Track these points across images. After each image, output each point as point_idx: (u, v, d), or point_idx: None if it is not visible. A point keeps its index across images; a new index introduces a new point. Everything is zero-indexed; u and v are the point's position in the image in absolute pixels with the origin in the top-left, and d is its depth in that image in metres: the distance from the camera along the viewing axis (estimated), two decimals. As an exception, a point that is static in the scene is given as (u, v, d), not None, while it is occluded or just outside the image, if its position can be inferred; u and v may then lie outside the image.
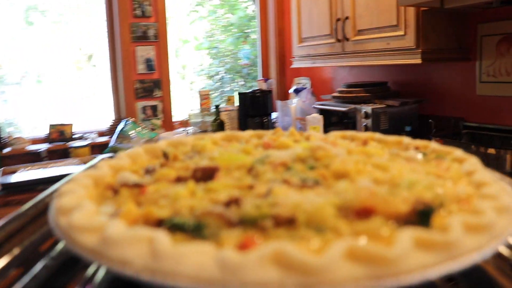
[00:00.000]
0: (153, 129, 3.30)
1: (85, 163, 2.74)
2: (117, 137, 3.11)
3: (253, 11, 4.06)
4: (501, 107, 2.31)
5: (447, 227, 0.34)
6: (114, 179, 0.52)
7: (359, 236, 0.35)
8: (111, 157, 0.63)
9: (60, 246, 0.53)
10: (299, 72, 3.74)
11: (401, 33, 2.29)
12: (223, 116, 3.21)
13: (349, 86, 2.80)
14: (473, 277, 0.44)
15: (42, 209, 0.59)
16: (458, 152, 0.53)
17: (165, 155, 0.61)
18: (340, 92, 2.83)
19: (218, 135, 0.67)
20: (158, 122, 3.43)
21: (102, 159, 0.64)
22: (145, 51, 3.42)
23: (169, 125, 3.55)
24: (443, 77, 2.61)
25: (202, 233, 0.37)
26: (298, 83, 3.68)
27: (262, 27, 3.97)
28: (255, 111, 3.32)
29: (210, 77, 3.97)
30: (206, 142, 0.60)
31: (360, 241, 0.33)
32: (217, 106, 3.02)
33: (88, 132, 3.35)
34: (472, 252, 0.35)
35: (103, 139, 3.30)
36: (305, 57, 3.15)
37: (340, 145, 0.56)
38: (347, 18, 2.67)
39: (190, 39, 4.04)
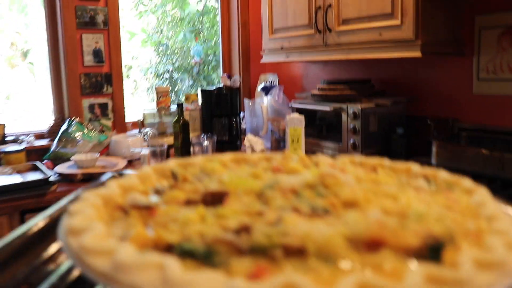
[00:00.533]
0: (102, 131, 2.90)
1: (19, 172, 2.40)
2: (59, 140, 2.68)
3: (208, 4, 3.76)
4: (501, 107, 2.13)
5: (458, 263, 0.34)
6: (123, 199, 0.53)
7: (369, 269, 0.35)
8: (120, 176, 0.63)
9: (66, 265, 0.53)
10: (265, 68, 3.47)
11: (397, 22, 2.02)
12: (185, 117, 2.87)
13: (331, 83, 2.54)
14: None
15: (50, 226, 0.59)
16: (467, 183, 0.53)
17: (174, 176, 0.61)
18: (321, 89, 2.55)
19: (227, 156, 0.67)
20: (108, 123, 3.01)
21: (111, 178, 0.64)
22: (92, 40, 2.94)
23: (121, 126, 3.10)
24: (434, 74, 2.40)
25: (212, 260, 0.37)
26: (265, 80, 3.41)
27: (224, 19, 3.63)
28: (221, 110, 2.95)
29: (158, 76, 3.58)
30: (215, 164, 0.61)
31: (370, 275, 0.33)
32: (180, 105, 2.62)
33: (23, 134, 2.85)
34: (482, 289, 0.35)
35: (42, 142, 2.82)
36: (278, 50, 2.83)
37: (349, 172, 0.57)
38: (329, 6, 2.39)
39: (137, 32, 3.68)
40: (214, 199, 0.48)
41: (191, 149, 2.61)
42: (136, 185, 0.58)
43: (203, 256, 0.37)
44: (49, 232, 0.57)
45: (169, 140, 2.77)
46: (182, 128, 2.60)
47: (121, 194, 0.55)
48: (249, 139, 2.80)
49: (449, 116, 2.30)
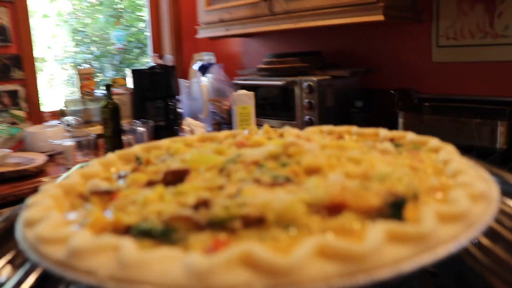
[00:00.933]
0: (14, 123, 2.47)
1: None
2: (-43, 135, 2.25)
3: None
4: (463, 74, 2.04)
5: (420, 218, 0.33)
6: (85, 187, 0.51)
7: (330, 232, 0.34)
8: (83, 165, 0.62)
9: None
10: (199, 47, 3.16)
11: (356, -18, 1.83)
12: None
13: (279, 56, 2.32)
14: (455, 270, 0.44)
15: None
16: (434, 141, 0.52)
17: (138, 160, 0.60)
18: (269, 63, 2.32)
19: (194, 137, 0.65)
20: (20, 113, 2.55)
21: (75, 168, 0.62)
22: (-6, 15, 2.40)
23: (37, 117, 2.63)
24: (390, 44, 2.27)
25: (170, 238, 0.35)
26: (200, 59, 3.03)
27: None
28: (155, 92, 2.60)
29: (75, 66, 2.96)
30: (179, 144, 0.59)
31: (329, 238, 0.32)
32: (108, 86, 2.21)
33: None
34: (447, 243, 0.34)
35: None
36: (216, 23, 2.56)
37: (314, 140, 0.55)
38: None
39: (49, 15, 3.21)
40: (175, 178, 0.47)
41: (124, 137, 2.28)
42: (98, 172, 0.56)
43: (160, 235, 0.36)
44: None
45: (96, 129, 2.40)
46: (112, 113, 2.21)
47: (83, 183, 0.53)
48: (189, 123, 2.57)
49: (408, 86, 2.19)
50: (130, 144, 2.19)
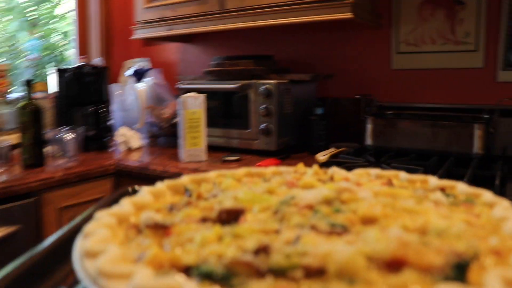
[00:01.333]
0: None
1: None
2: None
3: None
4: (422, 82, 1.99)
5: (485, 283, 0.33)
6: (137, 218, 0.52)
7: (393, 290, 0.34)
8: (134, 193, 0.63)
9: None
10: (130, 53, 2.93)
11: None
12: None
13: (230, 58, 2.11)
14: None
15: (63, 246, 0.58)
16: (488, 195, 0.52)
17: (187, 192, 0.61)
18: (218, 65, 2.11)
19: (241, 171, 0.66)
20: None
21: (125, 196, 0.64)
22: None
23: None
24: (347, 50, 2.18)
25: (231, 282, 0.36)
26: (133, 66, 2.70)
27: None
28: (84, 97, 2.26)
29: None
30: (230, 180, 0.60)
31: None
32: (28, 83, 1.82)
33: None
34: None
35: None
36: (157, 22, 2.30)
37: (365, 186, 0.56)
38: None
39: None
40: (230, 216, 0.47)
41: (46, 148, 1.96)
42: (149, 203, 0.57)
43: (222, 278, 0.36)
44: (61, 253, 0.57)
45: (11, 137, 2.06)
46: (32, 116, 1.82)
47: (135, 212, 0.54)
48: (123, 133, 2.32)
49: (368, 93, 2.08)
50: (54, 157, 1.95)
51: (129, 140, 2.31)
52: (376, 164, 1.64)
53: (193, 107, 1.82)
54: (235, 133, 2.11)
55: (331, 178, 0.59)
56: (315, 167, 0.64)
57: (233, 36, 2.49)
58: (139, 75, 2.55)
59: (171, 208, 0.54)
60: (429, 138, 1.76)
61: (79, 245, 0.45)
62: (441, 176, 1.35)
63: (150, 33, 2.37)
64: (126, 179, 2.08)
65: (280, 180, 0.60)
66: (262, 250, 0.38)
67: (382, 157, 1.74)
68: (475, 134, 1.67)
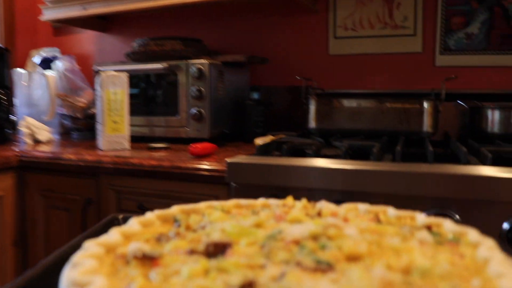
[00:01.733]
0: None
1: None
2: None
3: None
4: (361, 67, 1.95)
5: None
6: (125, 248, 0.52)
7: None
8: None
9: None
10: (37, 42, 2.66)
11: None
12: None
13: (155, 39, 1.94)
14: None
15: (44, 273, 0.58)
16: (473, 234, 0.53)
17: (177, 222, 0.61)
18: (142, 46, 1.93)
19: (230, 203, 0.67)
20: None
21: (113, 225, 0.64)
22: None
23: None
24: (281, 35, 2.13)
25: (215, 318, 0.36)
26: (40, 55, 2.39)
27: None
28: None
29: None
30: (219, 212, 0.61)
31: None
32: None
33: None
34: None
35: None
36: (69, 1, 2.07)
37: (352, 221, 0.57)
38: None
39: None
40: (217, 249, 0.48)
41: None
42: (138, 233, 0.58)
43: (206, 314, 0.37)
44: (47, 281, 0.57)
45: None
46: None
47: (123, 242, 0.54)
48: (29, 123, 2.04)
49: (308, 78, 1.96)
50: None
51: (36, 131, 2.04)
52: (327, 143, 1.61)
53: (114, 86, 1.60)
54: (160, 121, 1.95)
55: (319, 213, 0.60)
56: (304, 201, 0.65)
57: (156, 20, 2.31)
58: (47, 62, 2.28)
59: (159, 239, 0.55)
60: (377, 118, 1.71)
61: (67, 275, 0.45)
62: (400, 155, 1.36)
63: (62, 13, 2.11)
64: (33, 174, 1.88)
65: (269, 213, 0.61)
66: (248, 286, 0.39)
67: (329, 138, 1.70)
68: (425, 111, 1.64)
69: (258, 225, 0.55)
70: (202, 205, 0.66)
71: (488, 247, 0.49)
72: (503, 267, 0.43)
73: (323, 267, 0.42)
